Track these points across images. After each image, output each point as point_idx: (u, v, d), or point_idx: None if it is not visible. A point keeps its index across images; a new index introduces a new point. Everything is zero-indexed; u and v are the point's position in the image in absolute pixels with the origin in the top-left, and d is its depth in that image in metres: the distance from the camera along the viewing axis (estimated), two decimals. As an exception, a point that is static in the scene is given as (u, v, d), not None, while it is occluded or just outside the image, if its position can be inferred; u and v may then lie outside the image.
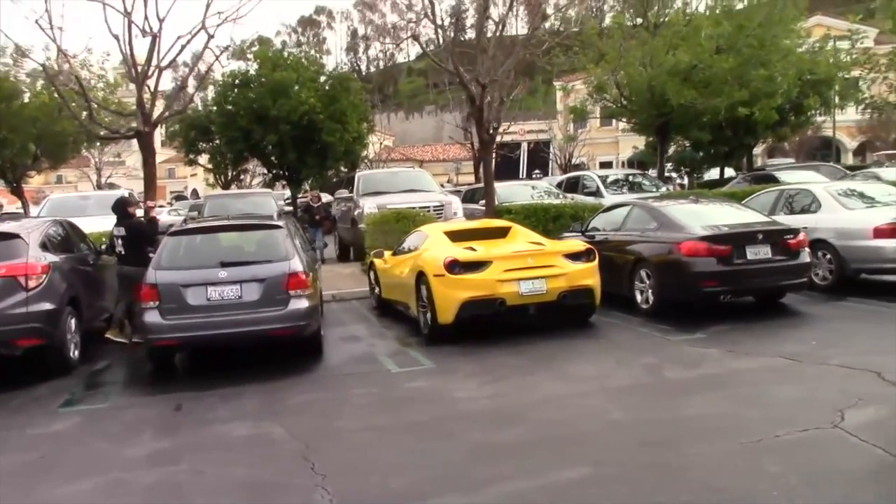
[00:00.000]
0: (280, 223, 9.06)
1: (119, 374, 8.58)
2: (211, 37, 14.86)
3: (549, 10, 17.35)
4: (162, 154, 76.54)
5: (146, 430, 6.34)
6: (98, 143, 35.31)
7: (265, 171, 37.88)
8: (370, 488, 4.77)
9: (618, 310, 9.93)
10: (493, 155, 16.25)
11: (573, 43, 22.70)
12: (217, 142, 36.07)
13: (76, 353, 8.81)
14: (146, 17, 13.86)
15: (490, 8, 15.06)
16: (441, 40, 16.44)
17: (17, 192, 27.57)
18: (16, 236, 8.60)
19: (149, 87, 14.35)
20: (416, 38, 15.62)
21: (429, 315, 9.12)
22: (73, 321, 8.81)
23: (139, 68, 13.95)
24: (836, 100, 28.59)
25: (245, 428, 6.21)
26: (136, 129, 13.95)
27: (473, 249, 9.32)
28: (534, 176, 42.64)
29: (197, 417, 6.60)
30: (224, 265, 8.13)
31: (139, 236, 10.02)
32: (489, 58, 14.58)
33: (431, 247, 9.88)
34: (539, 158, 52.09)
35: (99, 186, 44.36)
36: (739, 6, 23.16)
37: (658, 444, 5.19)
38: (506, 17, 15.62)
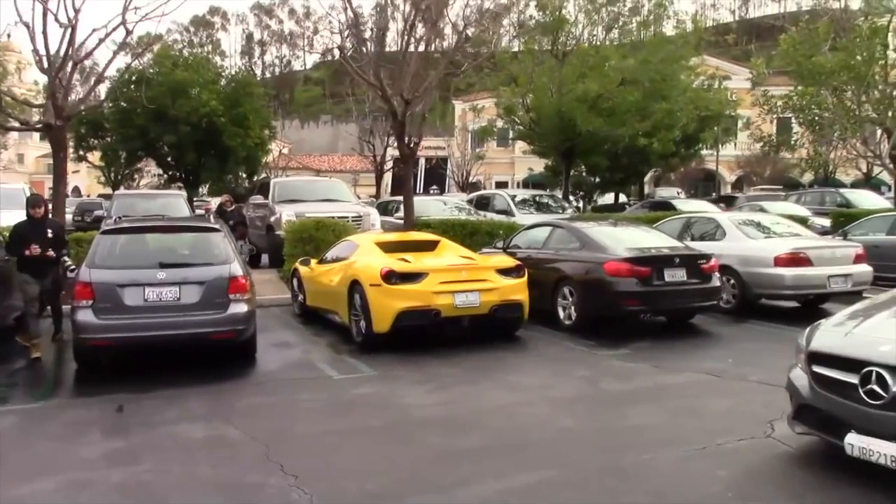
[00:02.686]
0: (218, 226, 8.95)
1: (42, 375, 8.24)
2: (129, 32, 14.39)
3: (465, 32, 17.71)
4: (41, 148, 72.81)
5: (92, 430, 6.17)
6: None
7: (160, 172, 36.73)
8: (346, 489, 4.85)
9: (540, 324, 10.30)
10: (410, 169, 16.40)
11: (485, 64, 23.30)
12: (110, 139, 34.73)
13: (-8, 352, 8.42)
14: (61, 6, 13.32)
15: (416, 25, 15.21)
16: (353, 53, 16.53)
17: None
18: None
19: (60, 80, 13.76)
20: (341, 49, 15.67)
21: (363, 323, 9.23)
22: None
23: (52, 59, 13.35)
24: (721, 135, 30.64)
25: (198, 430, 6.15)
26: (47, 122, 13.34)
27: (407, 261, 9.50)
28: (431, 192, 43.17)
29: (143, 419, 6.45)
30: (163, 266, 7.99)
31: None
32: (411, 74, 14.85)
33: (364, 256, 9.99)
34: (437, 175, 52.74)
35: (-26, 179, 41.64)
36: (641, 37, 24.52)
37: (611, 451, 5.53)
38: (430, 35, 15.87)
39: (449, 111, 61.65)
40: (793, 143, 26.11)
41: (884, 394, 4.42)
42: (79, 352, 8.01)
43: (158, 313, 7.75)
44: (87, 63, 23.57)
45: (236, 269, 8.21)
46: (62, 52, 13.56)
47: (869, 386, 4.49)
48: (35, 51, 13.81)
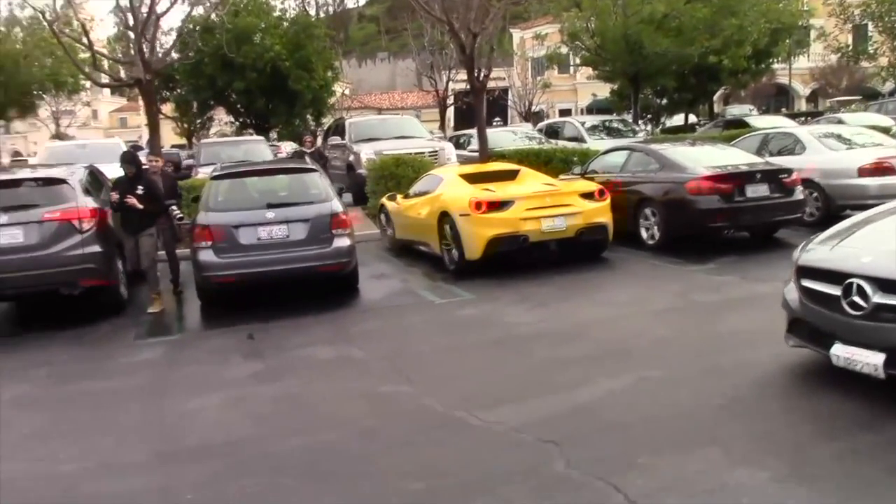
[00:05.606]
0: (316, 167, 9.49)
1: (170, 313, 8.99)
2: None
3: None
4: (114, 103, 74.83)
5: (232, 356, 6.86)
6: (61, 93, 34.64)
7: (231, 120, 37.66)
8: (472, 395, 5.36)
9: (623, 246, 10.63)
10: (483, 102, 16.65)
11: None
12: (180, 90, 35.66)
13: (125, 292, 9.21)
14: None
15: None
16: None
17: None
18: (62, 181, 8.87)
19: (145, 35, 14.38)
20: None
21: (454, 252, 9.74)
22: (119, 263, 9.18)
23: (138, 15, 13.96)
24: (793, 47, 29.72)
25: (326, 352, 6.79)
26: (137, 78, 14.02)
27: (492, 190, 9.92)
28: (494, 124, 43.10)
29: (274, 344, 7.13)
30: (270, 206, 8.60)
31: None
32: (477, 6, 14.97)
33: (450, 188, 10.43)
34: (498, 106, 52.46)
35: (58, 136, 43.39)
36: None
37: (710, 353, 5.94)
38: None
39: (507, 40, 60.85)
40: (872, 51, 25.23)
41: (864, 304, 4.55)
42: (202, 289, 8.73)
43: (271, 250, 8.40)
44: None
45: (337, 206, 8.78)
46: (145, 9, 14.14)
47: (850, 297, 4.63)
48: (118, 7, 14.43)
